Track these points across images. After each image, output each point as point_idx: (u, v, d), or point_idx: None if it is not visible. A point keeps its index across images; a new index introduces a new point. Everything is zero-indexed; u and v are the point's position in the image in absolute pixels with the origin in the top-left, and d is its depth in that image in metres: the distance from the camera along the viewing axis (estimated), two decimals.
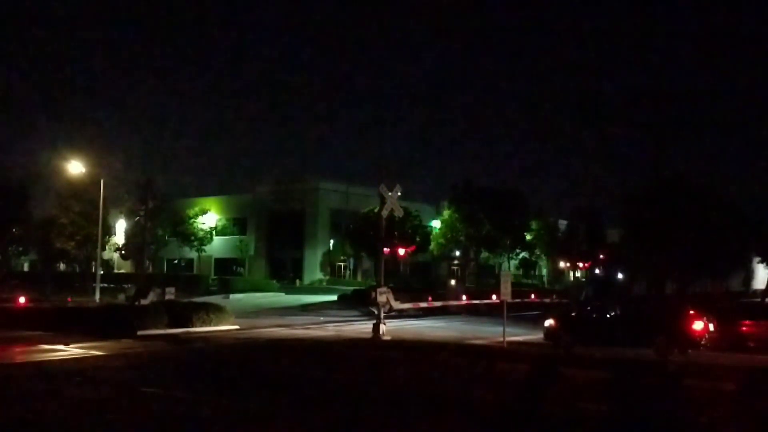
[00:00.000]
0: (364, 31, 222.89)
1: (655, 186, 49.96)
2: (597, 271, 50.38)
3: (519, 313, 31.13)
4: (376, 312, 24.56)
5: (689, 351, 19.56)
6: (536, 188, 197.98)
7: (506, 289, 22.54)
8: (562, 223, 70.46)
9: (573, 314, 23.67)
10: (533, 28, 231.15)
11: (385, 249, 26.76)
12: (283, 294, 54.69)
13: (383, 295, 24.68)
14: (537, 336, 23.33)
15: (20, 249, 73.09)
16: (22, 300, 34.94)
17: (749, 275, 56.06)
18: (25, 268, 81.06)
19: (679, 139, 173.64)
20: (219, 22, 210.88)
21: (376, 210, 35.78)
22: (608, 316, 21.50)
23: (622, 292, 45.70)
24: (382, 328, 23.90)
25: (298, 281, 64.98)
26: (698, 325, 19.68)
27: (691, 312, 20.27)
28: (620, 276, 52.54)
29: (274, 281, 61.57)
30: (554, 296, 43.56)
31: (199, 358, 18.84)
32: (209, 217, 68.79)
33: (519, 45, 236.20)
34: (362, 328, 26.85)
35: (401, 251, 26.71)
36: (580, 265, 49.39)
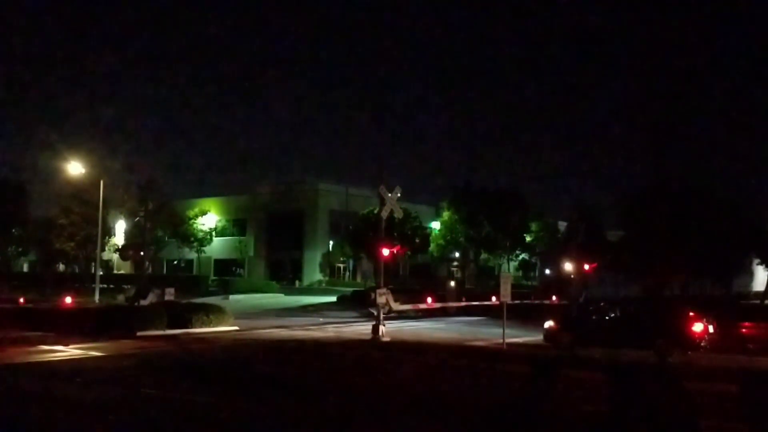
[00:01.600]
0: (365, 32, 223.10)
1: (656, 188, 49.97)
2: (547, 271, 47.73)
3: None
4: (375, 313, 24.55)
5: (689, 353, 19.57)
6: (536, 190, 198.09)
7: (506, 290, 22.54)
8: (562, 225, 70.46)
9: (573, 316, 23.65)
10: (533, 28, 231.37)
11: (384, 250, 26.71)
12: (282, 295, 54.69)
13: (383, 297, 24.67)
14: (537, 338, 23.32)
15: (20, 249, 73.17)
16: (21, 300, 34.99)
17: (731, 278, 54.35)
18: (25, 268, 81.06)
19: (679, 140, 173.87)
20: (220, 24, 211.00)
21: (375, 211, 35.76)
22: (608, 317, 21.50)
23: (573, 294, 44.88)
24: (382, 329, 23.88)
25: (297, 282, 64.99)
26: (698, 327, 19.68)
27: (691, 314, 20.28)
28: (572, 276, 49.65)
29: (274, 282, 61.56)
30: (554, 298, 43.35)
31: (199, 359, 18.81)
32: (209, 218, 68.80)
33: (519, 45, 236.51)
34: (362, 329, 26.83)
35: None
36: (586, 267, 48.68)
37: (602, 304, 23.80)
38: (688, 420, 11.47)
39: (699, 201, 47.27)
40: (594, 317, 22.14)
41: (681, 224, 45.78)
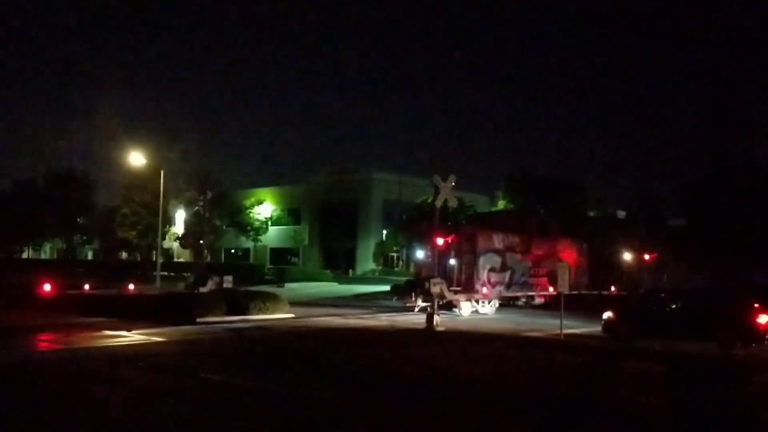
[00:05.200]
0: (418, 17, 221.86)
1: (719, 175, 48.42)
2: (420, 255, 34.26)
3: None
4: (429, 303, 24.52)
5: (753, 345, 18.96)
6: (595, 178, 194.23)
7: (563, 280, 22.20)
8: (621, 213, 69.00)
9: (632, 307, 23.16)
10: (591, 10, 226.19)
11: (438, 239, 26.59)
12: (336, 284, 55.11)
13: (437, 286, 24.59)
14: (595, 329, 22.94)
15: (84, 238, 75.80)
16: (86, 287, 36.19)
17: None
18: (89, 256, 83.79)
19: (743, 126, 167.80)
20: (271, 14, 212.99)
21: (429, 200, 35.55)
22: (669, 308, 20.99)
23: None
24: (436, 318, 23.83)
25: (351, 271, 65.35)
26: (763, 319, 19.03)
27: (756, 305, 19.60)
28: (452, 262, 35.32)
29: (328, 271, 62.06)
30: (612, 288, 42.43)
31: (257, 345, 19.12)
32: (264, 208, 69.81)
33: (578, 30, 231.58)
34: (415, 318, 26.85)
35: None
36: (646, 257, 47.11)
37: (662, 294, 23.19)
38: (753, 414, 11.11)
39: (764, 187, 45.61)
40: (654, 308, 21.63)
41: (745, 212, 44.28)
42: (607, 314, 21.78)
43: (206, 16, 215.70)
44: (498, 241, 32.55)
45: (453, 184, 25.85)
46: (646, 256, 45.38)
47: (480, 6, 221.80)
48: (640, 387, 13.17)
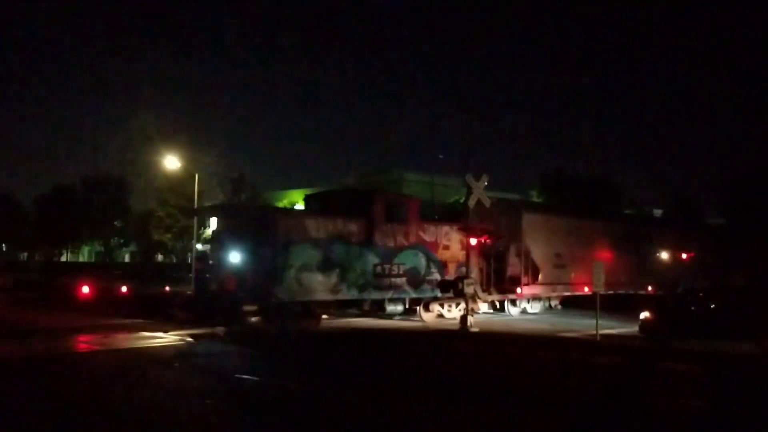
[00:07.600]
0: (448, 18, 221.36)
1: (759, 171, 47.43)
2: (200, 246, 29.67)
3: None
4: (463, 303, 24.38)
5: None
6: (632, 176, 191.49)
7: (599, 280, 21.88)
8: (658, 213, 68.02)
9: (670, 306, 22.77)
10: (627, 7, 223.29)
11: (471, 240, 26.42)
12: None
13: (471, 287, 24.43)
14: (631, 329, 22.60)
15: (121, 241, 77.10)
16: (124, 289, 36.80)
17: None
18: (126, 259, 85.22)
19: None
20: (303, 16, 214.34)
21: (461, 200, 35.37)
22: (708, 308, 20.59)
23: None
24: (470, 319, 23.69)
25: None
26: None
27: None
28: (234, 258, 23.42)
29: None
30: (650, 288, 41.65)
31: (288, 346, 19.21)
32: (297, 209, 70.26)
33: (613, 25, 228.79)
34: (447, 320, 26.72)
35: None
36: (684, 256, 46.13)
37: (701, 294, 22.76)
38: None
39: None
40: (692, 308, 21.23)
41: None
42: (644, 314, 21.45)
43: (236, 19, 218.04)
44: (316, 227, 22.74)
45: (486, 183, 25.67)
46: (684, 255, 44.42)
47: (511, 4, 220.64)
48: (680, 388, 12.91)
